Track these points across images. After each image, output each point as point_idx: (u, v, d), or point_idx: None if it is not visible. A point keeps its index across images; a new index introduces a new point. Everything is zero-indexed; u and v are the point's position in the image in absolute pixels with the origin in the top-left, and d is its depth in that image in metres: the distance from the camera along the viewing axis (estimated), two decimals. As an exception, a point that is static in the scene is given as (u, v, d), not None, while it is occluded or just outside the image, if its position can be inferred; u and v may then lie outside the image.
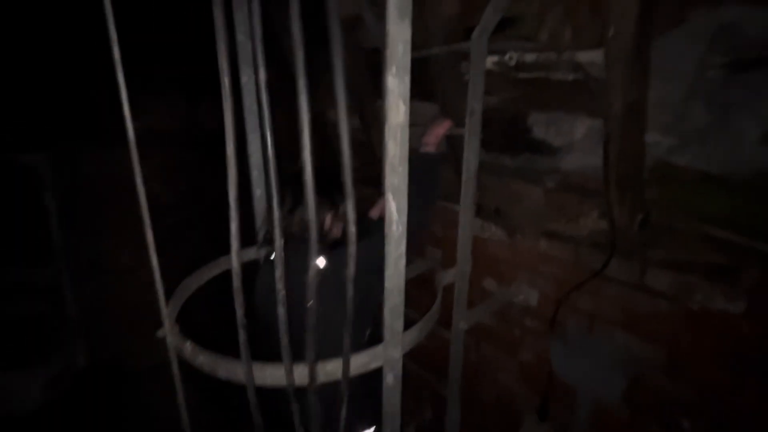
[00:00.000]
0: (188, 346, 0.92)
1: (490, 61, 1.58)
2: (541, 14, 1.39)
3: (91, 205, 2.80)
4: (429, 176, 1.33)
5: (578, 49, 1.32)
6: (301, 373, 0.83)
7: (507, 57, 1.52)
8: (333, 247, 1.16)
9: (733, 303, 1.22)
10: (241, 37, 1.28)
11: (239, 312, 0.72)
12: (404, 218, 0.76)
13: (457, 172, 1.99)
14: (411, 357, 1.60)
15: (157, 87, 2.89)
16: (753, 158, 1.09)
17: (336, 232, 1.24)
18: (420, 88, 1.96)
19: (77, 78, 2.56)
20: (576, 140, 1.52)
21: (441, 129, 1.43)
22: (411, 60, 0.71)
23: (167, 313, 0.99)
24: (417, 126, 1.38)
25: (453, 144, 1.87)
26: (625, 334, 1.55)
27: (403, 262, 0.80)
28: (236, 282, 0.71)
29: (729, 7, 1.03)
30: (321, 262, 1.05)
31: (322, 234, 1.20)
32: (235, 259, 0.73)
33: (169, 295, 1.08)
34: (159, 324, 1.00)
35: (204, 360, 0.89)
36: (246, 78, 1.37)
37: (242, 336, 0.76)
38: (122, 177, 1.13)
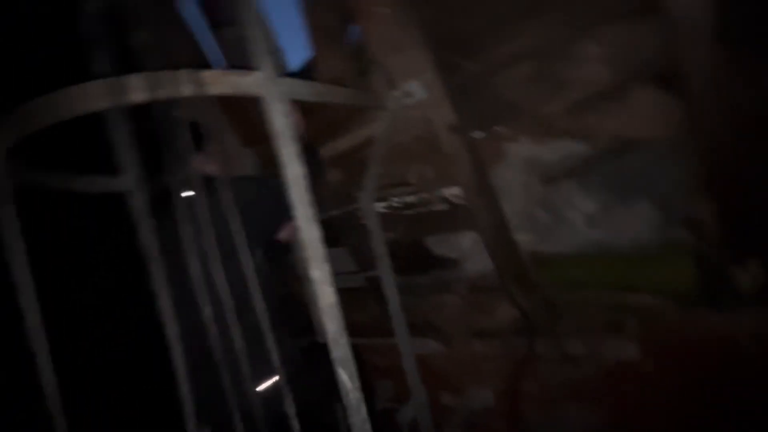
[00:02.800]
0: None
1: (380, 206, 1.90)
2: (405, 167, 1.79)
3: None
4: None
5: (442, 187, 1.69)
6: None
7: (393, 202, 1.85)
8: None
9: (629, 349, 1.48)
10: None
11: None
12: (358, 386, 0.84)
13: (379, 305, 2.14)
14: None
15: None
16: (587, 237, 1.48)
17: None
18: (328, 239, 2.18)
19: None
20: (467, 251, 1.83)
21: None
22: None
23: None
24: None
25: (371, 281, 2.05)
26: (572, 404, 1.69)
27: (368, 426, 0.84)
28: None
29: (527, 146, 1.49)
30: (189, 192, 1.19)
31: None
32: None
33: None
34: None
35: None
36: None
37: None
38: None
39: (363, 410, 0.86)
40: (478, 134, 1.50)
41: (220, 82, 0.84)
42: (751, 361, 1.31)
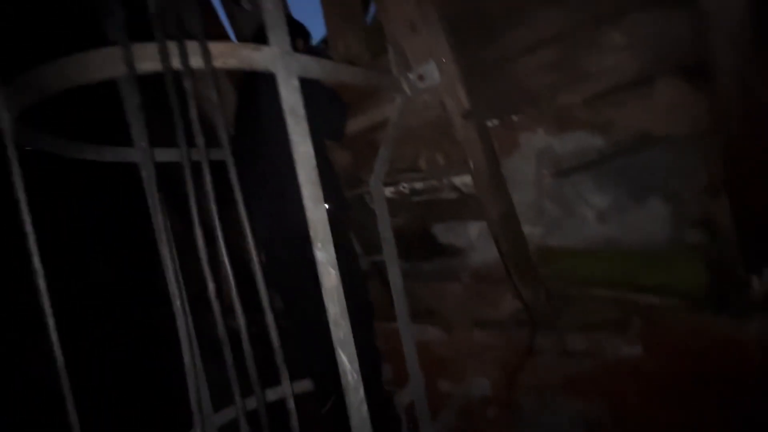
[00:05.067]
0: None
1: (388, 191, 1.89)
2: (416, 152, 1.76)
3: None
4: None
5: (452, 175, 1.67)
6: None
7: (401, 187, 1.84)
8: None
9: (632, 347, 1.47)
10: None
11: None
12: (357, 367, 0.85)
13: (383, 290, 2.15)
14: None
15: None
16: (597, 233, 1.45)
17: None
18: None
19: None
20: (473, 241, 1.82)
21: None
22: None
23: None
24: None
25: (378, 266, 2.05)
26: (569, 399, 1.69)
27: (365, 407, 0.85)
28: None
29: (542, 137, 1.45)
30: None
31: None
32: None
33: None
34: None
35: None
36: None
37: None
38: None
39: (361, 390, 0.87)
40: (492, 122, 1.46)
41: (232, 55, 0.83)
42: (755, 367, 1.29)
